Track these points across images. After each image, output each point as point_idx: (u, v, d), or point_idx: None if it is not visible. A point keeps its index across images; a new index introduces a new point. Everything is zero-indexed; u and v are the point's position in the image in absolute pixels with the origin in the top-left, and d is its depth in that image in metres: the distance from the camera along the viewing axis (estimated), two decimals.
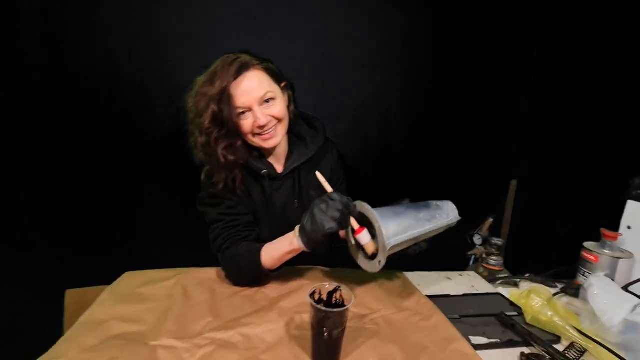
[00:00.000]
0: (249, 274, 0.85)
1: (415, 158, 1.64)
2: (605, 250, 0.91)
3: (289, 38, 1.41)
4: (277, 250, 0.83)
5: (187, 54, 1.35)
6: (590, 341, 0.69)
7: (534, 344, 0.70)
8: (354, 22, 1.46)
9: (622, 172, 1.02)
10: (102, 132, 1.38)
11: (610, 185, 1.11)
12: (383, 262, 0.74)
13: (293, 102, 0.95)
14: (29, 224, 1.36)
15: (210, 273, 0.92)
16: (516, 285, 1.00)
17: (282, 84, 0.91)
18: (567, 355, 0.67)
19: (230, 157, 0.85)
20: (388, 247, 0.71)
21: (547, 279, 0.99)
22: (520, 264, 1.26)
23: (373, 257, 0.76)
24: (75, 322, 0.72)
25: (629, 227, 0.94)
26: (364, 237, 0.76)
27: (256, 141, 0.89)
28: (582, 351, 0.68)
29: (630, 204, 0.95)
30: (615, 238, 0.91)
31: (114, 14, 1.29)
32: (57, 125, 1.33)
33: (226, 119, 0.82)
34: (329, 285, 0.66)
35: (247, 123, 0.85)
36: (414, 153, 1.63)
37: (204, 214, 0.94)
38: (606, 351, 0.67)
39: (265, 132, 0.87)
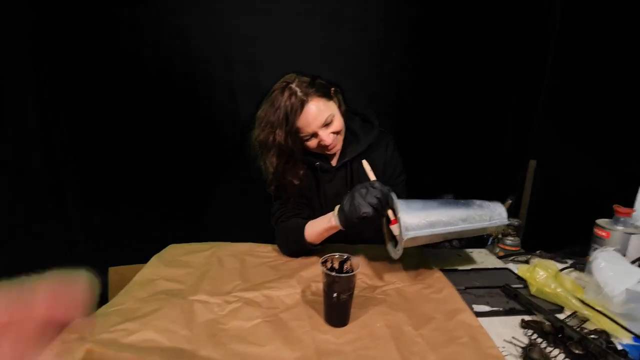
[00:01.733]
0: (293, 245, 0.97)
1: (432, 139, 1.64)
2: (617, 227, 0.91)
3: (304, 18, 1.45)
4: (318, 225, 0.92)
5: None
6: (591, 310, 0.72)
7: (536, 312, 0.73)
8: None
9: None
10: (168, 123, 1.51)
11: (628, 163, 1.09)
12: (400, 252, 0.80)
13: (343, 103, 1.02)
14: (75, 208, 1.51)
15: (243, 247, 1.04)
16: (527, 262, 1.02)
17: (332, 92, 0.97)
18: (567, 322, 0.70)
19: (296, 182, 0.98)
20: (405, 238, 0.76)
21: (557, 256, 1.00)
22: (538, 244, 1.26)
23: None
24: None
25: None
26: (397, 229, 0.80)
27: (322, 151, 0.99)
28: (584, 320, 0.71)
29: None
30: (629, 214, 0.91)
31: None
32: (118, 111, 1.47)
33: (291, 150, 0.92)
34: (339, 256, 0.73)
35: (313, 143, 0.96)
36: (431, 133, 1.64)
37: (272, 193, 1.06)
38: (607, 319, 0.69)
39: (330, 145, 0.96)
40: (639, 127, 1.20)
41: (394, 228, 0.81)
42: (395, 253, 0.83)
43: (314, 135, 0.94)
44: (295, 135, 0.91)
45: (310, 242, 0.94)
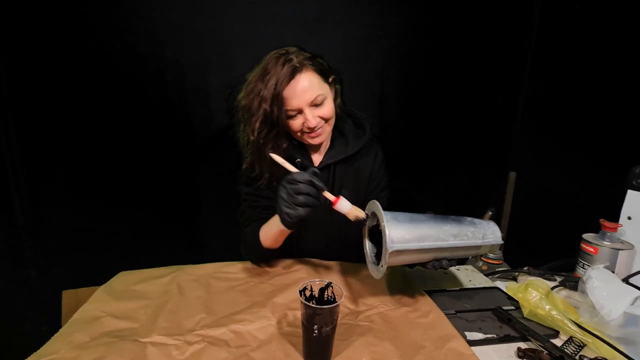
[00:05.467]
0: (252, 250, 0.89)
1: (411, 150, 1.61)
2: (604, 242, 0.89)
3: (283, 21, 1.39)
4: (270, 230, 0.85)
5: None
6: (589, 335, 0.67)
7: (531, 339, 0.68)
8: (351, 6, 1.43)
9: (622, 161, 1.00)
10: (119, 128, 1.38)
11: (610, 176, 1.09)
12: (384, 268, 0.71)
13: (340, 96, 0.94)
14: (24, 219, 1.34)
15: (207, 269, 0.92)
16: (514, 279, 0.99)
17: (330, 79, 0.90)
18: (565, 349, 0.65)
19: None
20: (390, 250, 0.68)
21: (546, 272, 0.97)
22: (520, 257, 1.24)
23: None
24: None
25: (629, 218, 0.92)
26: (343, 204, 0.74)
27: (304, 138, 0.90)
28: (581, 345, 0.67)
29: (631, 194, 0.93)
30: (615, 229, 0.89)
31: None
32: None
33: (276, 120, 0.83)
34: (319, 282, 0.65)
35: (296, 123, 0.87)
36: (411, 145, 1.61)
37: (240, 193, 0.98)
38: (605, 345, 0.65)
39: (314, 131, 0.87)
40: (620, 136, 1.21)
41: (340, 205, 0.74)
42: (378, 271, 0.74)
43: (300, 112, 0.85)
44: (281, 107, 0.82)
45: (268, 248, 0.85)
